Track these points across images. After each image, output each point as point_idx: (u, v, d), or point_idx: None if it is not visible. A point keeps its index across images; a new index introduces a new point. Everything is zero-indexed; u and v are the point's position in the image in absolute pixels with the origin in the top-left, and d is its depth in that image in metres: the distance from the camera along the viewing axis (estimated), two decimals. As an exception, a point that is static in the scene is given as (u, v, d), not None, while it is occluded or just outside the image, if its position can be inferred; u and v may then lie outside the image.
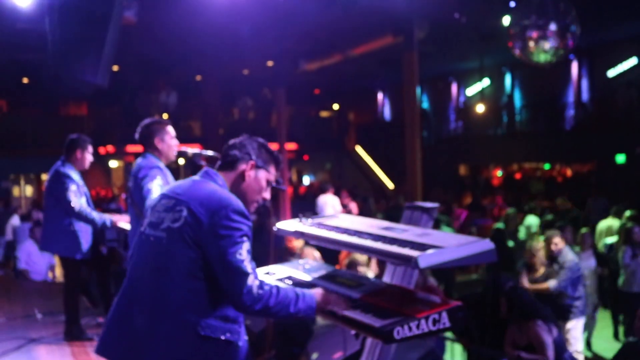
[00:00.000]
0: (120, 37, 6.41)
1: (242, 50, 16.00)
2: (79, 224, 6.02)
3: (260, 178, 2.94)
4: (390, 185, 24.04)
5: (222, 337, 2.73)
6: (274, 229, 3.63)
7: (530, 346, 5.78)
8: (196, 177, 2.93)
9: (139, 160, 4.71)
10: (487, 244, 2.86)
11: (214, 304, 2.71)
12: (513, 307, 6.00)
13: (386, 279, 3.37)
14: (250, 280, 2.65)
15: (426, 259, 2.71)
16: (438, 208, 3.53)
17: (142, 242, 2.88)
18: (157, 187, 4.48)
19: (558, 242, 7.88)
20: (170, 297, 2.70)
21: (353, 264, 6.56)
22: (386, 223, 3.36)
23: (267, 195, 2.99)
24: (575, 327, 7.69)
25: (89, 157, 6.26)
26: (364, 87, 28.40)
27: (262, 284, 2.68)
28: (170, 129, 4.77)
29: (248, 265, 2.67)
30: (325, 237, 3.30)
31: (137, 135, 4.74)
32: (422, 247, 2.80)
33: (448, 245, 2.81)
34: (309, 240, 3.47)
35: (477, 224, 12.23)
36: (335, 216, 3.74)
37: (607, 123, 19.45)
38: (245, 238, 2.70)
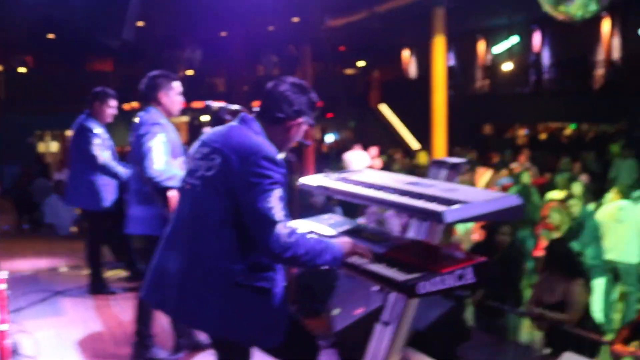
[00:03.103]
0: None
1: (267, 6, 15.83)
2: (103, 177, 6.05)
3: (303, 130, 2.96)
4: (414, 144, 23.88)
5: (256, 284, 2.74)
6: (298, 184, 3.60)
7: (559, 304, 5.69)
8: (233, 123, 2.91)
9: (141, 114, 4.55)
10: (514, 200, 2.81)
11: (248, 250, 2.73)
12: (554, 261, 5.85)
13: (411, 234, 3.34)
14: (280, 228, 2.63)
15: (452, 213, 2.68)
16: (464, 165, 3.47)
17: (181, 189, 2.96)
18: (158, 144, 4.33)
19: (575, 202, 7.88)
20: (204, 245, 2.74)
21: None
22: (412, 178, 3.31)
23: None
24: (595, 288, 7.63)
25: (109, 111, 6.23)
26: (390, 44, 28.02)
27: (292, 232, 2.67)
28: (176, 85, 4.60)
29: (278, 213, 2.65)
30: (351, 191, 3.27)
31: (141, 86, 4.57)
32: (449, 202, 2.77)
33: (475, 200, 2.76)
34: (334, 195, 3.44)
35: (501, 183, 12.10)
36: (361, 171, 3.70)
37: (637, 82, 19.07)
38: (276, 185, 2.68)
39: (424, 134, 13.36)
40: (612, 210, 8.25)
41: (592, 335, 5.51)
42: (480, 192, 2.96)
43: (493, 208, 2.78)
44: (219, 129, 2.93)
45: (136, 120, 4.54)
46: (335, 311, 4.98)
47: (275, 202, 2.65)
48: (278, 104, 2.86)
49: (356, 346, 4.31)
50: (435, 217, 2.70)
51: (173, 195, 4.27)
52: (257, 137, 2.80)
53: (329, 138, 26.95)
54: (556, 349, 5.54)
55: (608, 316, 8.25)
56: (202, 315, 2.74)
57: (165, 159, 4.31)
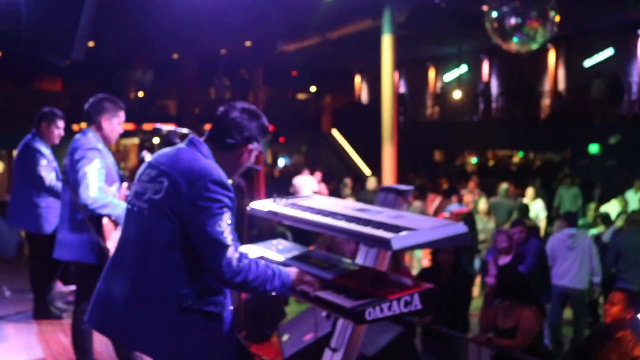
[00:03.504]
0: (97, 11, 6.30)
1: (220, 30, 15.84)
2: (48, 199, 5.93)
3: (253, 155, 2.95)
4: (365, 169, 24.04)
5: (205, 309, 2.71)
6: (248, 209, 3.59)
7: (513, 330, 5.76)
8: (181, 145, 2.88)
9: (78, 136, 4.46)
10: (460, 227, 2.86)
11: (196, 275, 2.70)
12: (506, 288, 5.93)
13: (359, 260, 3.36)
14: (230, 253, 2.62)
15: (399, 240, 2.70)
16: (412, 192, 3.52)
17: (127, 212, 2.89)
18: (94, 170, 4.24)
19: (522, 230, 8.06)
20: (151, 268, 2.70)
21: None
22: (361, 205, 3.34)
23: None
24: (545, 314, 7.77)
25: (56, 132, 6.15)
26: (342, 70, 28.32)
27: (242, 257, 2.66)
28: (122, 114, 4.55)
29: (228, 237, 2.63)
30: (299, 217, 3.27)
31: (86, 106, 4.50)
32: (396, 229, 2.79)
33: (422, 227, 2.80)
34: (283, 220, 3.44)
35: (450, 210, 12.24)
36: (310, 197, 3.71)
37: (581, 113, 19.62)
38: (225, 209, 2.66)
39: (375, 160, 13.51)
40: (563, 237, 8.42)
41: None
42: (427, 220, 3.00)
43: (440, 235, 2.81)
44: (167, 150, 2.90)
45: (72, 142, 4.43)
46: (285, 337, 4.96)
47: (225, 226, 2.63)
48: (228, 130, 2.84)
49: (304, 372, 4.31)
50: (383, 243, 2.72)
51: (107, 223, 4.22)
52: (205, 161, 2.77)
53: (281, 162, 26.97)
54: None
55: (557, 341, 8.39)
56: (150, 340, 2.69)
57: (100, 185, 4.24)
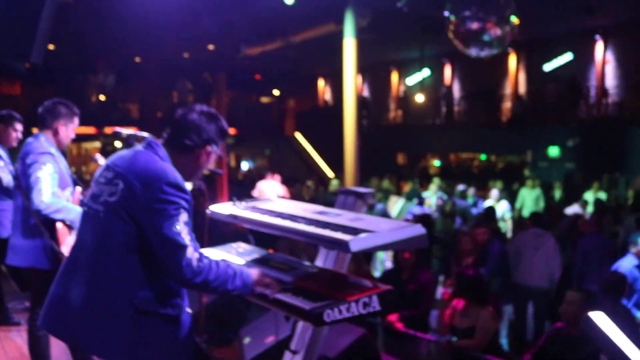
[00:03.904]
0: (57, 14, 6.23)
1: (183, 33, 15.77)
2: (3, 203, 5.83)
3: (212, 158, 2.92)
4: (329, 172, 24.08)
5: (162, 312, 2.69)
6: (208, 212, 3.58)
7: (470, 329, 5.83)
8: (139, 147, 2.86)
9: (30, 140, 4.37)
10: (418, 229, 2.88)
11: (153, 277, 2.68)
12: (466, 287, 6.00)
13: (319, 262, 3.38)
14: (190, 253, 2.61)
15: (358, 242, 2.71)
16: (375, 195, 3.55)
17: (83, 214, 2.87)
18: (46, 175, 4.17)
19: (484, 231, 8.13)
20: (107, 271, 2.67)
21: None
22: (320, 207, 3.35)
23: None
24: (503, 314, 7.86)
25: (14, 134, 6.07)
26: (306, 74, 28.36)
27: (201, 257, 2.64)
28: (77, 120, 4.50)
29: (186, 238, 2.61)
30: (259, 220, 3.27)
31: (40, 110, 4.41)
32: (355, 231, 2.81)
33: (380, 229, 2.82)
34: (243, 223, 3.44)
35: (412, 212, 12.33)
36: (270, 200, 3.72)
37: (541, 116, 19.93)
38: (181, 210, 2.64)
39: (338, 163, 13.56)
40: (530, 237, 8.52)
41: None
42: (386, 222, 3.02)
43: (398, 237, 2.83)
44: (124, 152, 2.88)
45: (24, 146, 4.36)
46: (246, 340, 4.95)
47: (182, 227, 2.62)
48: (186, 132, 2.82)
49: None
50: (342, 246, 2.74)
51: (61, 227, 4.17)
52: (162, 163, 2.75)
53: (245, 166, 26.89)
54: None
55: (521, 340, 8.47)
56: (106, 343, 2.67)
57: (54, 190, 4.18)
